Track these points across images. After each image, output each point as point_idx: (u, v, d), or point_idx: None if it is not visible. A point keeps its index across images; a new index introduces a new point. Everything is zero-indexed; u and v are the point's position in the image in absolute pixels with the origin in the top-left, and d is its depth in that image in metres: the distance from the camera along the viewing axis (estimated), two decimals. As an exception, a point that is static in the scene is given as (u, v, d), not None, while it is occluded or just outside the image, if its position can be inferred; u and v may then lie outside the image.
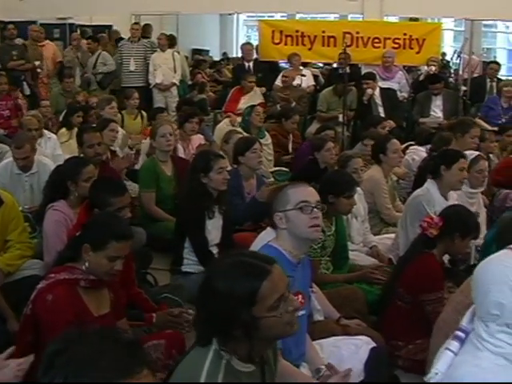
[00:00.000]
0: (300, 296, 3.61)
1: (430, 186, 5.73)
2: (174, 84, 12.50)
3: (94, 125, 7.71)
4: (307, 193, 3.57)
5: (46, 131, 7.99)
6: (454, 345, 2.55)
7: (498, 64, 13.03)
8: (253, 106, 9.22)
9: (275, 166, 8.96)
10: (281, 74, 11.91)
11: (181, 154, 7.72)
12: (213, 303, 2.40)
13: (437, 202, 5.57)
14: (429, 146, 7.59)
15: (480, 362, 2.45)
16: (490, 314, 2.48)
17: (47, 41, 13.10)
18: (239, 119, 9.80)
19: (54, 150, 7.79)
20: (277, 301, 2.41)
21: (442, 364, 2.52)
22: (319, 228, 3.58)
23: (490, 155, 8.05)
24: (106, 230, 3.62)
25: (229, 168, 6.02)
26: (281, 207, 3.55)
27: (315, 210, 3.52)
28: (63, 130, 8.57)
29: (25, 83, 11.86)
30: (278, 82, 11.77)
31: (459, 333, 2.58)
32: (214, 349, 2.43)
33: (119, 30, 14.48)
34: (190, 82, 13.64)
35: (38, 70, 12.32)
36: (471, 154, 6.20)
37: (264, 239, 4.22)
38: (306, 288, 3.78)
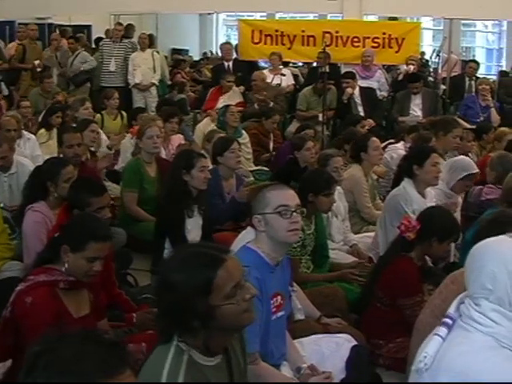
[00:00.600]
0: (279, 297, 3.61)
1: (406, 184, 5.73)
2: (154, 84, 12.45)
3: (75, 125, 7.68)
4: (287, 196, 3.54)
5: (25, 132, 7.93)
6: (442, 330, 2.56)
7: (477, 63, 13.14)
8: (227, 106, 9.21)
9: (256, 165, 8.97)
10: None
11: (161, 154, 7.68)
12: (170, 296, 2.40)
13: (414, 200, 5.58)
14: (408, 144, 7.62)
15: (470, 343, 2.46)
16: (484, 289, 2.48)
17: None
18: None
19: (33, 150, 7.73)
20: (233, 289, 2.42)
21: (430, 347, 2.53)
22: (298, 232, 3.57)
23: (469, 154, 8.09)
24: (85, 230, 3.61)
25: (210, 167, 6.02)
26: (260, 210, 3.52)
27: (294, 214, 3.49)
28: (42, 130, 8.51)
29: (2, 83, 11.78)
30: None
31: (447, 319, 2.59)
32: (175, 344, 2.43)
33: (98, 29, 14.44)
34: (169, 82, 13.62)
35: (38, 69, 12.21)
36: (473, 167, 6.12)
37: (244, 239, 4.21)
38: (286, 288, 3.78)
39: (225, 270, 2.42)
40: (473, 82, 12.16)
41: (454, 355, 2.47)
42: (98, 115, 9.54)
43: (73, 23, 15.12)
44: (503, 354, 2.42)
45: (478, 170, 6.21)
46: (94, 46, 14.43)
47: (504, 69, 16.86)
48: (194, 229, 5.48)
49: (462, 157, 6.45)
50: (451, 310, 2.61)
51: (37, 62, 12.20)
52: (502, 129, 8.71)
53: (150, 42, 12.92)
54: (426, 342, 2.58)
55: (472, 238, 4.77)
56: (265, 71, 12.16)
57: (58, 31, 14.43)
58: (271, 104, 10.94)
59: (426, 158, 5.66)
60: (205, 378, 2.46)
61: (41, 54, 12.53)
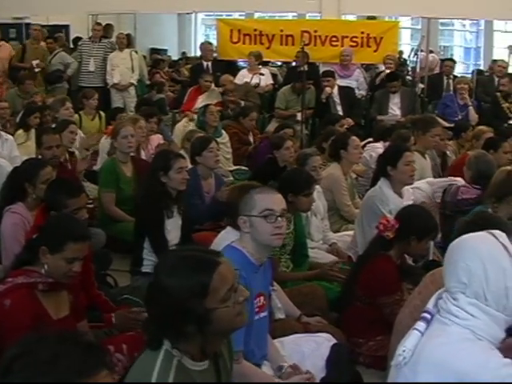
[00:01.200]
0: (262, 297, 3.63)
1: (382, 184, 5.73)
2: (132, 84, 12.41)
3: (53, 126, 7.64)
4: (273, 200, 3.55)
5: (2, 133, 7.87)
6: (420, 325, 2.59)
7: (454, 61, 13.21)
8: (206, 106, 9.19)
9: (238, 162, 8.97)
10: (238, 75, 11.95)
11: (140, 154, 7.67)
12: (164, 301, 2.39)
13: (391, 200, 5.59)
14: (386, 143, 7.64)
15: (448, 335, 2.49)
16: (460, 283, 2.52)
17: (3, 42, 12.90)
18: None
19: (11, 151, 7.67)
20: (228, 292, 2.42)
21: (409, 341, 2.56)
22: (282, 236, 3.57)
23: (447, 152, 8.15)
24: (63, 231, 3.59)
25: (189, 167, 6.01)
26: (246, 211, 3.53)
27: (279, 219, 3.49)
28: (20, 131, 8.45)
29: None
30: (237, 80, 11.78)
31: (425, 314, 2.62)
32: (164, 349, 2.42)
33: (76, 29, 14.36)
34: (148, 82, 13.58)
35: (36, 70, 12.10)
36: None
37: (224, 239, 4.23)
38: (267, 289, 3.80)
39: (219, 273, 2.42)
40: (450, 81, 12.20)
41: (432, 347, 2.50)
42: (76, 115, 9.48)
43: (51, 23, 15.01)
44: (479, 345, 2.46)
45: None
46: (72, 46, 14.33)
47: (481, 68, 17.00)
48: (173, 229, 5.47)
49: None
50: (430, 306, 2.65)
51: (35, 62, 12.07)
52: (480, 127, 8.77)
53: (128, 41, 12.86)
54: (405, 338, 2.61)
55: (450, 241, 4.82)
56: (243, 71, 12.17)
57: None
58: (242, 103, 10.93)
59: (399, 158, 5.66)
60: (194, 382, 2.47)
61: (44, 55, 12.41)
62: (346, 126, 9.54)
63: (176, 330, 2.39)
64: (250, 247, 3.52)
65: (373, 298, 4.46)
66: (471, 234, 2.66)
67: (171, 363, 2.41)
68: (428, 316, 2.61)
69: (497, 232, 2.64)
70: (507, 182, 5.15)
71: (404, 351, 2.54)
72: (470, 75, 15.21)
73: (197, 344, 2.44)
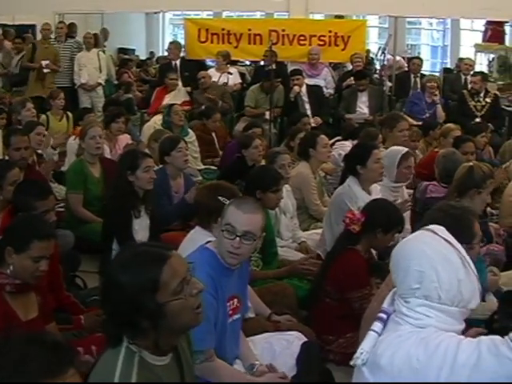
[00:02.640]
0: (235, 300, 3.63)
1: (351, 182, 5.77)
2: (100, 84, 12.35)
3: (21, 127, 7.57)
4: (239, 218, 3.44)
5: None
6: (377, 326, 2.61)
7: (421, 59, 13.28)
8: (171, 106, 9.15)
9: (203, 164, 8.94)
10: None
11: (107, 154, 7.62)
12: (117, 296, 2.40)
13: (360, 197, 5.61)
14: (355, 141, 7.68)
15: (401, 333, 2.51)
16: (411, 289, 2.54)
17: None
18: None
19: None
20: (179, 284, 2.42)
21: (366, 343, 2.58)
22: (237, 257, 3.48)
23: (416, 151, 8.20)
24: (28, 230, 3.58)
25: (157, 167, 5.99)
26: (221, 217, 3.53)
27: (237, 239, 3.41)
28: (-14, 132, 8.38)
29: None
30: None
31: (381, 314, 2.64)
32: (125, 346, 2.42)
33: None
34: (116, 82, 13.52)
35: (45, 71, 11.85)
36: (401, 149, 6.29)
37: (193, 239, 4.23)
38: (243, 291, 3.80)
39: (170, 266, 2.42)
40: (418, 79, 12.28)
41: (384, 347, 2.52)
42: (44, 116, 9.41)
43: (17, 23, 14.86)
44: (425, 332, 2.48)
45: (407, 149, 6.36)
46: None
47: (448, 66, 17.13)
48: (141, 229, 5.45)
49: (390, 148, 6.54)
50: (385, 305, 2.67)
51: (44, 63, 11.81)
52: (448, 125, 8.83)
53: (95, 41, 12.79)
54: (363, 339, 2.63)
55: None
56: (211, 70, 12.15)
57: (0, 31, 14.22)
58: (220, 103, 10.93)
59: (368, 157, 5.71)
60: (157, 378, 2.46)
61: (56, 55, 12.15)
62: (313, 124, 9.61)
63: (131, 326, 2.39)
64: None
65: (342, 293, 4.48)
66: (411, 237, 2.69)
67: (133, 360, 2.41)
68: (384, 316, 2.63)
69: (435, 227, 2.67)
70: (469, 176, 5.21)
71: (362, 353, 2.56)
72: (437, 73, 15.34)
73: (153, 339, 2.44)
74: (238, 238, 3.41)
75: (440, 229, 2.66)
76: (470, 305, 2.56)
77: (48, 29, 12.37)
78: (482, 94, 10.59)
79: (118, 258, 2.56)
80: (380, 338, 2.57)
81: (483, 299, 4.82)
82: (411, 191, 6.75)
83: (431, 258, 2.53)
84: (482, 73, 11.74)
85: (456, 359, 2.33)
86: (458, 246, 2.60)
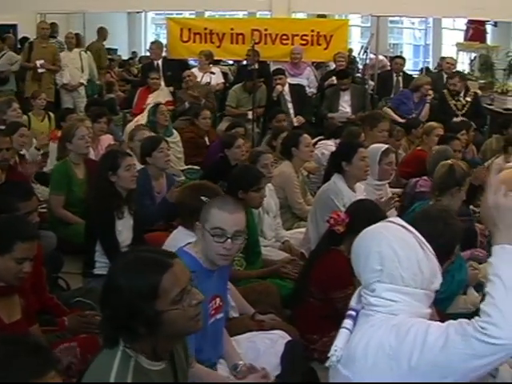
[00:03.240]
0: (218, 299, 3.63)
1: (336, 179, 5.82)
2: (82, 84, 12.30)
3: (3, 127, 7.53)
4: (227, 220, 3.43)
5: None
6: (347, 323, 2.65)
7: (403, 58, 13.32)
8: (157, 106, 9.12)
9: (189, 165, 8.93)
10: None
11: (90, 155, 7.59)
12: (116, 300, 2.39)
13: (345, 194, 5.67)
14: (338, 140, 7.70)
15: (373, 323, 2.55)
16: (374, 272, 2.58)
17: None
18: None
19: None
20: (179, 294, 2.41)
21: (339, 340, 2.61)
22: (229, 257, 3.50)
23: (398, 150, 8.23)
24: (11, 231, 3.56)
25: (137, 165, 5.96)
26: (201, 220, 3.49)
27: (229, 240, 3.41)
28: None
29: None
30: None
31: (351, 311, 2.69)
32: (121, 349, 2.42)
33: (24, 29, 14.13)
34: (98, 82, 13.48)
35: (40, 71, 11.64)
36: (381, 146, 6.33)
37: (176, 239, 4.22)
38: (224, 291, 3.79)
39: (171, 274, 2.41)
40: (400, 78, 12.31)
41: (357, 340, 2.55)
42: (25, 116, 9.35)
43: (-3, 22, 14.79)
44: (396, 319, 2.51)
45: (387, 146, 6.41)
46: (19, 46, 14.12)
47: (430, 65, 17.22)
48: (124, 230, 5.43)
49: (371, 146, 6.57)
50: (353, 303, 2.72)
51: (39, 62, 11.60)
52: (430, 123, 8.87)
53: (77, 41, 12.74)
54: (336, 337, 2.65)
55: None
56: (194, 70, 12.13)
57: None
58: (203, 102, 10.91)
59: (354, 154, 5.77)
60: (152, 382, 2.47)
61: (54, 54, 11.94)
62: (296, 124, 9.62)
63: (128, 330, 2.39)
64: (202, 254, 3.50)
65: (325, 294, 4.50)
66: (370, 228, 2.74)
67: (129, 364, 2.41)
68: (353, 313, 2.67)
69: (391, 218, 2.79)
70: (450, 174, 5.25)
71: (336, 350, 2.59)
72: (417, 72, 15.40)
73: (150, 344, 2.43)
74: (229, 240, 3.41)
75: (397, 219, 2.75)
76: (432, 285, 2.62)
77: (45, 27, 12.16)
78: (462, 94, 10.62)
79: (120, 261, 2.54)
80: (353, 334, 2.60)
81: (465, 293, 4.89)
82: (395, 190, 6.80)
83: (388, 239, 2.60)
84: (459, 72, 11.76)
85: (425, 342, 2.36)
86: (414, 231, 2.66)
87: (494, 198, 2.40)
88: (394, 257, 2.56)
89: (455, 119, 9.87)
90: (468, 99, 10.59)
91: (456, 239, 3.88)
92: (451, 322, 2.42)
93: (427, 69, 15.40)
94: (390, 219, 2.78)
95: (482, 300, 2.36)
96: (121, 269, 2.46)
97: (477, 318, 2.32)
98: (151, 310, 2.36)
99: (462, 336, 2.30)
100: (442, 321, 2.51)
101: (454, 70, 12.04)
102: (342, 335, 2.61)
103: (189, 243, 3.66)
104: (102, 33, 14.13)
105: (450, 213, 4.09)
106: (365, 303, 2.64)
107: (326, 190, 5.82)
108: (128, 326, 2.38)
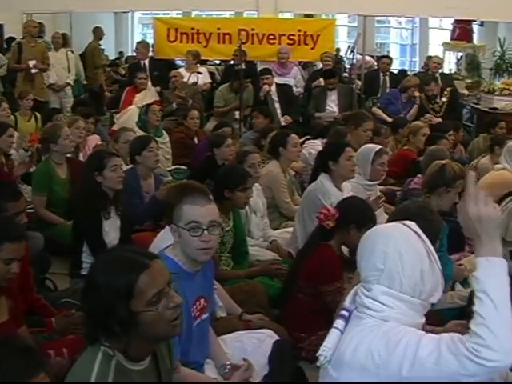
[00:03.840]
0: (202, 300, 3.61)
1: (323, 179, 5.84)
2: (69, 84, 12.27)
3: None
4: (200, 212, 3.39)
5: None
6: (339, 323, 2.64)
7: (390, 58, 13.36)
8: (149, 105, 9.11)
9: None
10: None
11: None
12: (93, 297, 2.40)
13: (332, 193, 5.68)
14: (325, 140, 7.72)
15: (363, 327, 2.54)
16: (375, 270, 2.58)
17: None
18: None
19: None
20: (155, 295, 2.40)
21: (329, 340, 2.61)
22: (209, 251, 3.45)
23: (386, 149, 8.25)
24: None
25: (123, 166, 5.95)
26: (175, 220, 3.44)
27: (206, 232, 3.37)
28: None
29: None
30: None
31: (343, 312, 2.67)
32: (103, 349, 2.41)
33: (10, 29, 14.08)
34: (84, 82, 13.44)
35: (33, 71, 11.42)
36: (374, 147, 6.36)
37: (163, 239, 4.20)
38: (209, 291, 3.78)
39: (148, 275, 2.40)
40: (387, 78, 12.35)
41: (347, 343, 2.55)
42: (12, 116, 9.33)
43: (-18, 23, 14.72)
44: (387, 326, 2.51)
45: (381, 147, 6.44)
46: (5, 46, 14.06)
47: (416, 65, 17.32)
48: (111, 230, 5.42)
49: (364, 146, 6.60)
50: (346, 303, 2.70)
51: (32, 63, 11.39)
52: (416, 122, 8.92)
53: (63, 41, 12.70)
54: (327, 336, 2.65)
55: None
56: (181, 69, 12.12)
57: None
58: (190, 102, 10.90)
59: (341, 153, 5.79)
60: (133, 382, 2.45)
61: (43, 53, 11.75)
62: (283, 123, 9.63)
63: (104, 327, 2.39)
64: (181, 256, 3.45)
65: (315, 287, 4.51)
66: (383, 225, 2.77)
67: (110, 364, 2.40)
68: (346, 313, 2.66)
69: (407, 222, 2.73)
70: (440, 174, 5.28)
71: (324, 350, 2.59)
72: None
73: (125, 344, 2.42)
74: (205, 232, 3.37)
75: (412, 224, 2.71)
76: (431, 298, 2.60)
77: (34, 26, 11.96)
78: (438, 96, 10.70)
79: (101, 258, 2.55)
80: (343, 336, 2.59)
81: (452, 288, 4.92)
82: (380, 187, 6.83)
83: (397, 242, 2.58)
84: (432, 77, 11.68)
85: (416, 355, 2.36)
86: (426, 239, 2.65)
87: (475, 210, 2.38)
88: (398, 260, 2.55)
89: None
90: (444, 99, 10.64)
91: (436, 235, 3.90)
92: (443, 335, 2.41)
93: (402, 71, 15.46)
94: (405, 222, 2.72)
95: (470, 299, 2.35)
96: (100, 266, 2.47)
97: (468, 337, 2.31)
98: (126, 309, 2.35)
99: (454, 355, 2.30)
100: (430, 317, 2.52)
101: (440, 71, 12.12)
102: (333, 335, 2.61)
103: (170, 245, 3.61)
104: (98, 32, 14.03)
105: (430, 209, 4.11)
106: (359, 303, 2.64)
107: (313, 189, 5.83)
108: (104, 323, 2.37)
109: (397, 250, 2.56)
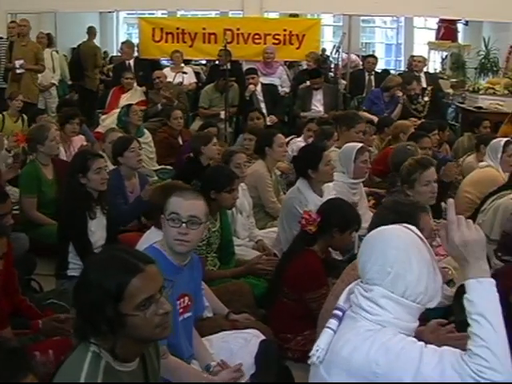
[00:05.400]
0: (186, 298, 3.62)
1: (301, 185, 5.77)
2: (54, 84, 12.22)
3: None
4: (182, 205, 3.49)
5: None
6: (332, 323, 2.63)
7: (375, 57, 13.38)
8: (129, 106, 9.08)
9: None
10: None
11: (62, 156, 7.57)
12: (84, 295, 2.41)
13: (310, 201, 5.61)
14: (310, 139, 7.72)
15: (358, 330, 2.53)
16: (381, 273, 2.56)
17: None
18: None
19: None
20: (145, 300, 2.40)
21: (321, 340, 2.60)
22: (186, 244, 3.50)
23: (370, 148, 8.26)
24: None
25: (111, 167, 5.93)
26: (164, 211, 3.54)
27: (183, 225, 3.45)
28: None
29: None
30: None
31: (337, 311, 2.66)
32: (92, 350, 2.41)
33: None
34: (69, 82, 13.38)
35: (18, 71, 11.22)
36: (356, 145, 6.33)
37: (149, 239, 4.20)
38: (195, 289, 3.79)
39: (140, 279, 2.40)
40: (372, 77, 12.38)
41: (341, 345, 2.54)
42: (0, 115, 9.31)
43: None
44: (382, 332, 2.50)
45: (362, 144, 6.41)
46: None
47: (401, 64, 17.34)
48: (98, 230, 5.41)
49: (345, 145, 6.58)
50: (341, 302, 2.69)
51: (18, 62, 11.18)
52: (401, 121, 8.93)
53: (48, 41, 12.64)
54: (319, 336, 2.64)
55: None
56: (166, 70, 12.10)
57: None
58: (176, 102, 10.88)
59: (319, 161, 5.71)
60: (122, 383, 2.46)
61: (36, 53, 11.56)
62: (269, 123, 9.63)
63: (92, 326, 2.39)
64: (167, 248, 3.53)
65: (299, 294, 4.50)
66: (388, 227, 2.71)
67: (99, 365, 2.40)
68: (339, 313, 2.65)
69: (409, 226, 2.72)
70: (414, 167, 5.28)
71: (317, 350, 2.58)
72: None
73: (111, 344, 2.42)
74: (184, 225, 3.45)
75: (413, 228, 2.70)
76: (429, 303, 2.60)
77: (24, 25, 11.73)
78: (420, 95, 10.72)
79: (97, 256, 2.59)
80: (336, 336, 2.58)
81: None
82: (366, 188, 6.84)
83: (407, 247, 2.57)
84: (413, 76, 11.69)
85: (418, 370, 2.36)
86: (428, 245, 2.65)
87: (459, 236, 2.40)
88: (408, 265, 2.54)
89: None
90: (426, 99, 10.67)
91: None
92: (445, 349, 2.42)
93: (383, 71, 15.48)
94: (407, 226, 2.71)
95: (454, 300, 2.36)
96: (95, 263, 2.48)
97: (468, 358, 2.32)
98: (114, 310, 2.36)
99: (459, 374, 2.31)
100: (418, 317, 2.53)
101: (425, 71, 12.16)
102: (326, 335, 2.60)
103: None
104: (92, 32, 13.97)
105: (402, 202, 4.07)
106: (354, 303, 2.62)
107: (290, 198, 5.79)
108: (92, 322, 2.38)
109: (407, 255, 2.55)
